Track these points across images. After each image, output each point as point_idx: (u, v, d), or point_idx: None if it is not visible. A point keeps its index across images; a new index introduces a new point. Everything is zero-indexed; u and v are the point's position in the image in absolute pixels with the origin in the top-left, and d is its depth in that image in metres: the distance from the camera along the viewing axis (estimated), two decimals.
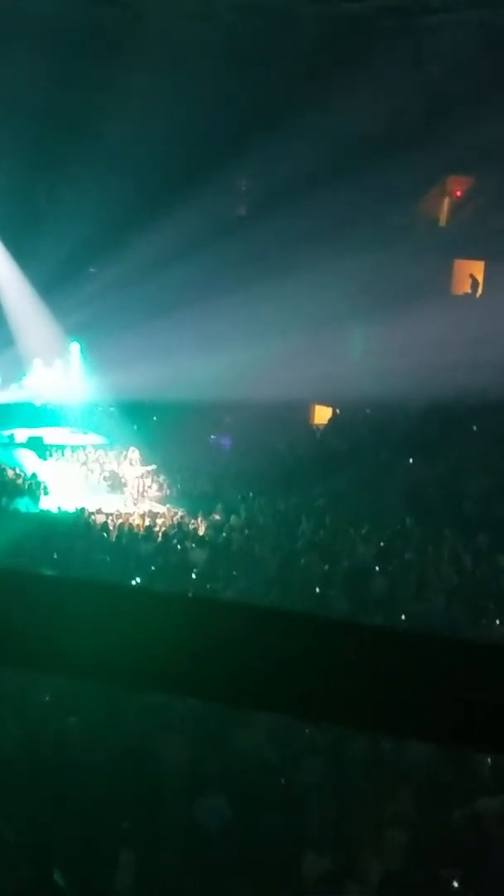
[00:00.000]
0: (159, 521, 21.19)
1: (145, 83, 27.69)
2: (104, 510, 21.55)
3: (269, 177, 28.77)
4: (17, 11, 26.18)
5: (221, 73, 27.90)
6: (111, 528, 19.85)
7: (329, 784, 8.96)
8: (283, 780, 9.12)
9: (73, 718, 9.74)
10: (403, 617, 14.46)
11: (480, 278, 29.75)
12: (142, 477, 24.30)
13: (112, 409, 29.12)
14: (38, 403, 30.74)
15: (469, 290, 29.96)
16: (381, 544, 18.40)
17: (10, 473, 23.84)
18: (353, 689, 1.15)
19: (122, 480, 24.51)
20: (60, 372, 32.10)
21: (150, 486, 24.40)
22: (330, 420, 28.26)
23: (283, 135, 27.01)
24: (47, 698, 10.29)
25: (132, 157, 28.42)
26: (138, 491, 24.00)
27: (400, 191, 28.37)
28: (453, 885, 7.50)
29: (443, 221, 31.33)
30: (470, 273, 30.11)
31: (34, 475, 24.04)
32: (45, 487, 23.46)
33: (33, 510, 22.01)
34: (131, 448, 25.17)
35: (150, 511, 22.48)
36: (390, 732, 1.21)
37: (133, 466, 24.50)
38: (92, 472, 25.49)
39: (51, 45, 26.53)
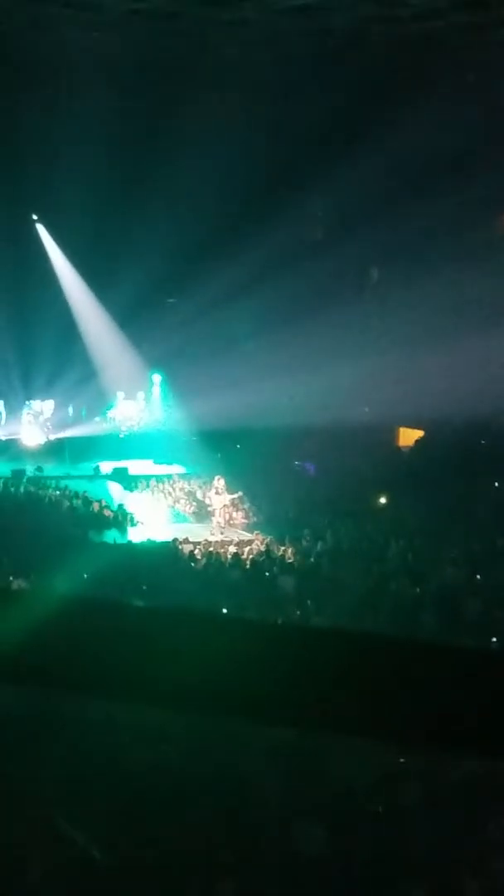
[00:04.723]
0: (246, 548, 21.18)
1: (214, 113, 27.90)
2: (191, 539, 21.61)
3: (346, 198, 28.69)
4: (81, 51, 26.47)
5: (291, 98, 27.95)
6: (199, 557, 19.90)
7: (427, 808, 8.83)
8: (378, 807, 9.01)
9: (165, 746, 9.72)
10: (495, 639, 14.26)
11: None
12: (227, 505, 24.33)
13: (195, 438, 29.25)
14: (122, 435, 31.04)
15: None
16: (472, 566, 18.20)
17: (96, 506, 24.06)
18: (454, 711, 1.13)
19: (209, 509, 24.57)
20: (143, 403, 32.44)
21: (235, 514, 24.42)
22: (416, 442, 28.07)
23: (358, 157, 26.99)
24: (135, 726, 10.28)
25: (207, 186, 28.63)
26: (224, 519, 24.04)
27: (480, 208, 28.18)
28: None
29: None
30: None
31: (121, 506, 24.21)
32: (133, 518, 23.60)
33: (121, 541, 22.17)
34: (217, 476, 25.23)
35: (237, 539, 22.50)
36: (490, 754, 1.19)
37: (219, 495, 24.54)
38: (178, 502, 25.60)
39: (116, 81, 26.87)
